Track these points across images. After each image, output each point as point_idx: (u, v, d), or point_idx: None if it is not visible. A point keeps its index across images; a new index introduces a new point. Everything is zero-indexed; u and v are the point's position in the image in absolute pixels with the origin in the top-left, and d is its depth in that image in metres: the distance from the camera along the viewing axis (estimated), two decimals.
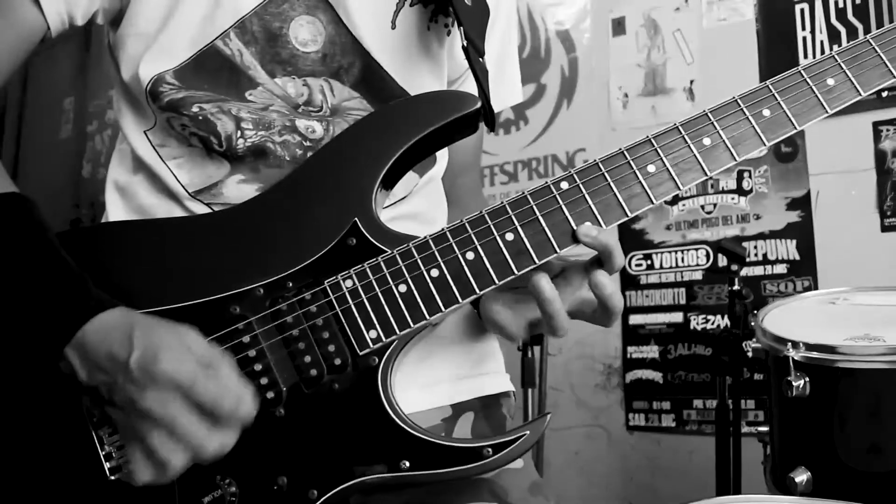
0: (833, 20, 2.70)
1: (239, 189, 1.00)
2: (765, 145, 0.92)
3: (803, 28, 2.75)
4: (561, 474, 3.06)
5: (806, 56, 2.73)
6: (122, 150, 1.09)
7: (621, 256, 0.90)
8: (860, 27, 2.64)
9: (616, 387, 3.07)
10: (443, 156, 1.17)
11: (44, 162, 4.78)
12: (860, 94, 0.94)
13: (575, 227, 0.89)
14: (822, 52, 2.70)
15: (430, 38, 1.08)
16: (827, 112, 0.93)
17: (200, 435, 0.76)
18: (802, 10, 2.76)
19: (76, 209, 4.53)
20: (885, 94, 2.55)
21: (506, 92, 1.23)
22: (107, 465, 0.85)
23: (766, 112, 0.92)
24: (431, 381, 1.06)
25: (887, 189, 2.58)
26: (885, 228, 2.58)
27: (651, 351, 3.00)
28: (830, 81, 0.94)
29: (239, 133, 0.99)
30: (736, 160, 0.92)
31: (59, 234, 0.92)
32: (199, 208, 1.01)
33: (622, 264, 0.91)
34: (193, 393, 0.75)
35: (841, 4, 2.69)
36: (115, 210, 1.06)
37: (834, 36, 2.69)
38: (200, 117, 0.98)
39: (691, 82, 2.99)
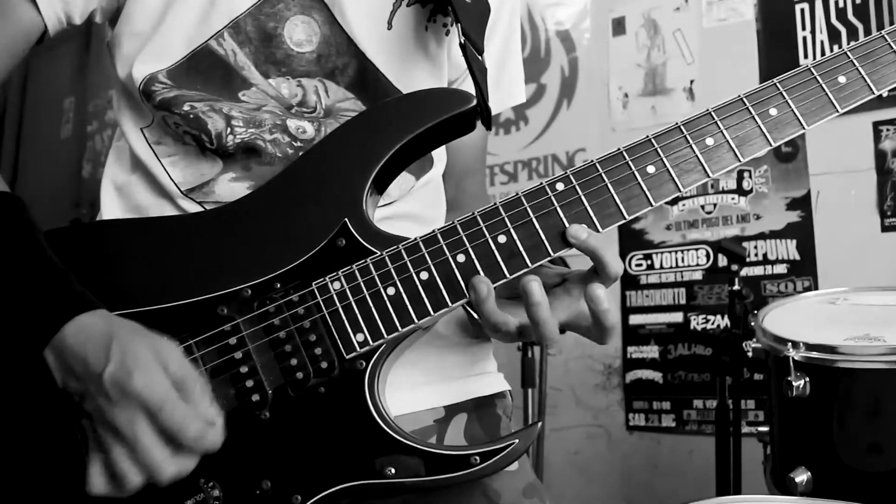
0: (833, 20, 2.69)
1: (230, 187, 0.99)
2: (771, 146, 0.89)
3: (803, 28, 2.75)
4: (560, 474, 3.05)
5: (806, 56, 2.72)
6: (119, 148, 1.09)
7: (616, 263, 0.86)
8: (860, 27, 2.64)
9: (616, 387, 3.06)
10: (440, 158, 1.15)
11: (44, 162, 4.78)
12: (874, 93, 0.90)
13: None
14: (823, 52, 2.70)
15: (428, 39, 1.07)
16: (838, 111, 0.89)
17: (159, 458, 0.75)
18: (802, 10, 2.75)
19: (76, 209, 4.53)
20: (884, 93, 2.54)
21: (508, 92, 1.21)
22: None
23: (773, 111, 0.89)
24: (424, 382, 1.04)
25: (887, 189, 2.58)
26: (885, 228, 2.57)
27: (651, 351, 3.00)
28: (842, 79, 0.90)
29: (229, 130, 0.98)
30: (740, 161, 0.88)
31: (48, 231, 0.91)
32: (192, 207, 1.00)
33: (618, 272, 0.86)
34: (160, 417, 0.75)
35: (841, 4, 2.68)
36: (111, 209, 1.05)
37: (834, 36, 2.68)
38: (192, 116, 0.97)
39: (691, 82, 2.98)
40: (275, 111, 0.99)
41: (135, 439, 0.75)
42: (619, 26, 3.17)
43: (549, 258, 0.87)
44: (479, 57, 1.02)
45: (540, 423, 0.88)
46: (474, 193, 1.24)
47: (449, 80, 1.13)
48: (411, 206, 1.08)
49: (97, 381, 0.76)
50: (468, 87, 1.04)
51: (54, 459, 0.85)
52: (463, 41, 0.97)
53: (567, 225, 0.87)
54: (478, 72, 0.98)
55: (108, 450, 0.76)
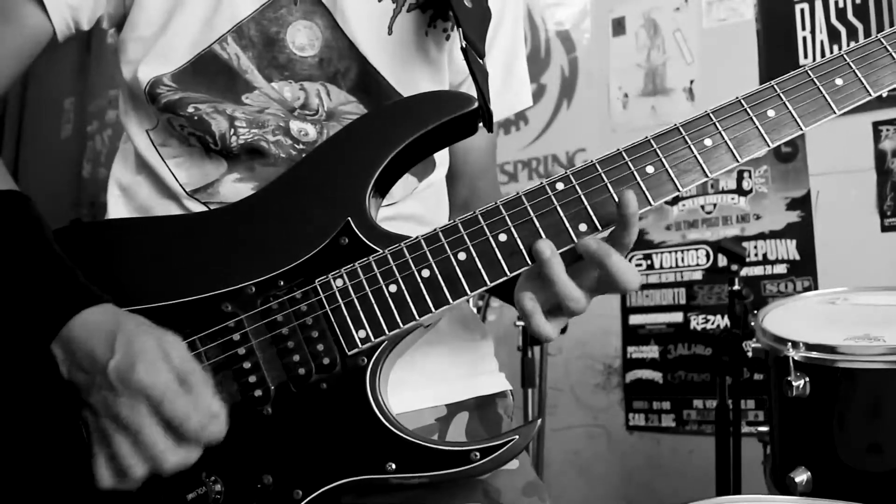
0: (833, 20, 2.70)
1: (235, 188, 1.00)
2: (769, 147, 0.89)
3: (803, 28, 2.75)
4: (561, 474, 3.05)
5: (806, 56, 2.73)
6: (125, 150, 1.10)
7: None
8: (860, 27, 2.64)
9: (616, 387, 3.06)
10: (443, 162, 1.16)
11: (44, 162, 4.78)
12: (870, 95, 0.91)
13: (570, 229, 0.87)
14: (823, 52, 2.70)
15: (428, 44, 1.08)
16: (835, 113, 0.90)
17: (162, 448, 0.77)
18: (802, 11, 2.76)
19: (76, 209, 4.53)
20: (884, 94, 2.55)
21: (516, 96, 1.22)
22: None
23: (771, 112, 0.90)
24: (426, 381, 1.05)
25: (887, 189, 2.58)
26: (885, 228, 2.57)
27: (651, 351, 3.00)
28: (839, 81, 0.91)
29: (232, 131, 0.99)
30: (738, 161, 0.89)
31: (57, 230, 0.92)
32: (197, 207, 1.01)
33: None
34: (162, 407, 0.76)
35: (841, 4, 2.68)
36: (117, 209, 1.07)
37: (834, 36, 2.68)
38: (196, 117, 0.98)
39: (691, 82, 2.98)
40: (277, 114, 1.00)
41: (138, 430, 0.76)
42: (619, 26, 3.17)
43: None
44: (481, 60, 1.02)
45: (540, 420, 0.89)
46: (488, 193, 1.24)
47: (451, 83, 1.14)
48: (414, 208, 1.09)
49: (102, 373, 0.77)
50: (470, 90, 1.04)
51: (60, 453, 0.85)
52: (465, 45, 0.98)
53: (567, 223, 0.87)
54: (479, 75, 0.99)
55: (112, 442, 0.77)
